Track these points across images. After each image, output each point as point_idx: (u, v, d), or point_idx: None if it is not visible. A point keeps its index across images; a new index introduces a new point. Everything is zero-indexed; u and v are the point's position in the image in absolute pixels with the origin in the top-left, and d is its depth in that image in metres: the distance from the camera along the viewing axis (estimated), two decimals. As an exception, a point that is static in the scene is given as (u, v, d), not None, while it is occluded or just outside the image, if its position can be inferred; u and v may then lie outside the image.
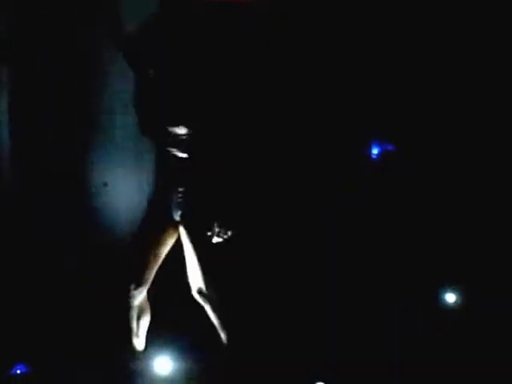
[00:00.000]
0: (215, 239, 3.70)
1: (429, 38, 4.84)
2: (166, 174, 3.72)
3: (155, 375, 3.94)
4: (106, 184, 4.70)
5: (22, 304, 4.49)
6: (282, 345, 4.19)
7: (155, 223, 3.76)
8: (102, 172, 4.72)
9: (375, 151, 4.95)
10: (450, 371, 3.99)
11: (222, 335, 3.79)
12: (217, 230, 3.68)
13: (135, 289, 3.77)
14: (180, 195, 3.68)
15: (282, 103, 4.76)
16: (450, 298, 4.66)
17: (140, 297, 3.80)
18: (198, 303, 3.75)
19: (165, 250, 3.79)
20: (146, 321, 3.87)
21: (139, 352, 3.87)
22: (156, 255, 3.77)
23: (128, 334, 3.84)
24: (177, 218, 3.69)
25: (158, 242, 3.76)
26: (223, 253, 4.02)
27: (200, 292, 3.73)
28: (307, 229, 4.80)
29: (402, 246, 4.75)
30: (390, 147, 4.90)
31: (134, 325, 3.84)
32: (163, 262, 3.80)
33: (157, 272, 3.80)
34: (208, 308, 3.77)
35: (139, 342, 3.87)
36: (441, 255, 4.75)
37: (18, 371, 4.04)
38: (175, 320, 4.28)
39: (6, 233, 4.63)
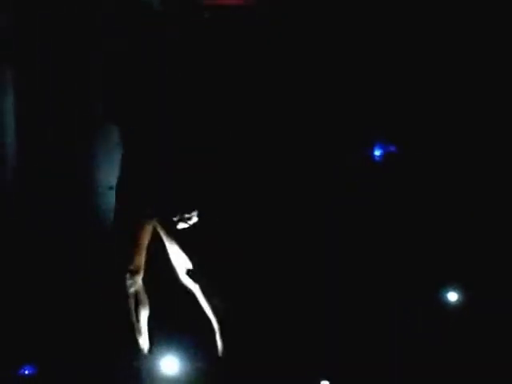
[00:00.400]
0: (180, 225, 3.76)
1: (431, 40, 4.85)
2: (133, 165, 3.78)
3: (162, 375, 3.95)
4: (112, 188, 4.68)
5: (22, 304, 4.49)
6: (283, 345, 4.19)
7: (128, 212, 3.84)
8: (102, 172, 4.72)
9: (377, 152, 4.95)
10: (453, 371, 3.99)
11: (213, 321, 3.85)
12: (181, 215, 3.75)
13: (129, 278, 3.85)
14: (148, 186, 3.76)
15: (283, 103, 4.77)
16: (452, 296, 4.64)
17: (135, 285, 3.87)
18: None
19: (145, 236, 3.86)
20: (145, 313, 3.92)
21: (144, 350, 3.90)
22: (138, 243, 3.85)
23: (131, 332, 3.85)
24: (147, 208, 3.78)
25: (136, 230, 3.84)
26: (222, 253, 4.07)
27: (187, 274, 3.81)
28: (307, 228, 4.80)
29: (403, 246, 4.75)
30: (392, 148, 4.91)
31: (134, 318, 3.88)
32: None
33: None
34: (197, 293, 3.84)
35: (142, 339, 3.90)
36: (442, 254, 4.74)
37: (26, 372, 4.05)
38: (181, 319, 4.28)
39: (5, 233, 4.63)
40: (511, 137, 4.88)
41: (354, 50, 4.82)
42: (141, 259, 3.87)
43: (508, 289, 4.57)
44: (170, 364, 3.95)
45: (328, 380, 3.90)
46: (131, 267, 3.86)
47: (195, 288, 3.83)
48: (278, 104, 4.75)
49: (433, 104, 4.87)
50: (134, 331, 3.87)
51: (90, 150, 4.74)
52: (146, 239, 3.86)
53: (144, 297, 3.91)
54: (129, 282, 3.85)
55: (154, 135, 3.74)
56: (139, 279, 3.89)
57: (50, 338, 4.27)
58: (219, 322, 3.86)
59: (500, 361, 4.04)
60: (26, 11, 4.62)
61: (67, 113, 4.68)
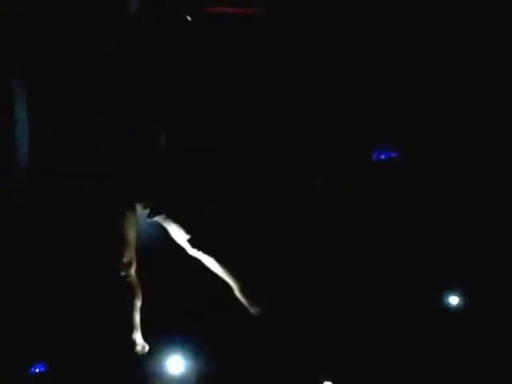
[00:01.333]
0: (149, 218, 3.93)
1: (432, 46, 4.86)
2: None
3: (167, 375, 3.95)
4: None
5: (21, 305, 4.49)
6: (285, 346, 4.19)
7: (113, 206, 3.96)
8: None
9: (378, 155, 4.96)
10: (453, 374, 3.99)
11: (231, 282, 4.00)
12: (149, 210, 3.91)
13: (123, 271, 3.97)
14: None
15: (284, 104, 4.79)
16: (454, 300, 4.63)
17: (129, 277, 3.99)
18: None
19: (132, 227, 3.98)
20: (138, 305, 3.97)
21: (136, 343, 3.94)
22: (125, 236, 3.95)
23: (129, 331, 3.88)
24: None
25: (122, 222, 3.95)
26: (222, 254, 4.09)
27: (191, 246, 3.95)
28: (307, 229, 4.80)
29: (403, 248, 4.75)
30: (392, 154, 4.92)
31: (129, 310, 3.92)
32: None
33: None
34: (207, 260, 3.98)
35: (136, 332, 3.94)
36: (444, 257, 4.73)
37: (37, 370, 4.07)
38: (187, 319, 4.29)
39: (5, 233, 4.63)
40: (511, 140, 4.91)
41: (357, 55, 4.84)
42: (131, 251, 3.93)
43: (510, 293, 4.56)
44: (175, 364, 3.96)
45: (330, 381, 3.91)
46: (123, 260, 3.94)
47: (205, 258, 3.95)
48: (279, 105, 4.77)
49: (433, 106, 4.89)
50: (131, 330, 3.92)
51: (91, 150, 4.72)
52: (133, 231, 3.92)
53: (138, 289, 3.99)
54: (122, 274, 3.92)
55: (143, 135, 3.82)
56: (132, 271, 3.97)
57: (60, 337, 4.28)
58: (238, 281, 3.97)
59: (500, 365, 4.04)
60: (26, 11, 4.60)
61: (68, 113, 4.67)
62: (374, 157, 4.90)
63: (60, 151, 4.69)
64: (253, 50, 4.72)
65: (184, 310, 4.27)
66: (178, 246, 4.04)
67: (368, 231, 4.78)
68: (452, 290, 4.61)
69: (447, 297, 4.60)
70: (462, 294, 4.60)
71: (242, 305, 4.08)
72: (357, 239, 4.77)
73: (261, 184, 4.78)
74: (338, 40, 4.83)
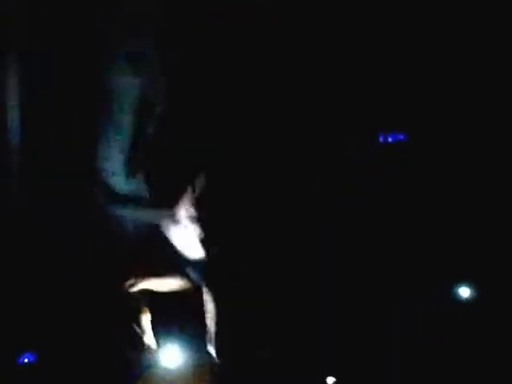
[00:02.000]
0: None
1: (434, 34, 4.86)
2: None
3: (164, 368, 3.96)
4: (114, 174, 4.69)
5: (22, 304, 4.49)
6: (285, 344, 4.19)
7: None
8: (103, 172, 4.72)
9: (385, 137, 4.92)
10: (463, 368, 3.97)
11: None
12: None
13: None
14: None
15: (284, 101, 4.79)
16: (464, 292, 4.57)
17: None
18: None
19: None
20: (145, 315, 3.95)
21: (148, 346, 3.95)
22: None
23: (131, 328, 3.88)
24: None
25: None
26: (221, 252, 4.10)
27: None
28: (307, 229, 4.80)
29: (411, 237, 4.70)
30: (400, 136, 4.87)
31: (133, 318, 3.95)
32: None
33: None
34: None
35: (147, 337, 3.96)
36: (454, 248, 4.68)
37: (26, 360, 4.07)
38: (184, 312, 4.30)
39: (6, 233, 4.63)
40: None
41: (357, 44, 4.84)
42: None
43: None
44: (172, 356, 3.97)
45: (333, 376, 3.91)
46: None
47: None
48: (278, 102, 4.77)
49: (442, 90, 4.85)
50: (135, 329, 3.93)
51: (92, 150, 4.74)
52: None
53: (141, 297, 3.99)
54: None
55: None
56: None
57: (51, 330, 4.28)
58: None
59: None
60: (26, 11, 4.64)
61: (68, 112, 4.69)
62: (381, 139, 4.86)
63: (60, 151, 4.72)
64: (252, 44, 4.72)
65: (182, 304, 4.28)
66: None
67: (373, 219, 4.74)
68: (463, 281, 4.55)
69: (458, 288, 4.54)
70: (474, 286, 4.54)
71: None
72: (362, 227, 4.73)
73: (261, 184, 4.78)
74: (342, 24, 4.80)
